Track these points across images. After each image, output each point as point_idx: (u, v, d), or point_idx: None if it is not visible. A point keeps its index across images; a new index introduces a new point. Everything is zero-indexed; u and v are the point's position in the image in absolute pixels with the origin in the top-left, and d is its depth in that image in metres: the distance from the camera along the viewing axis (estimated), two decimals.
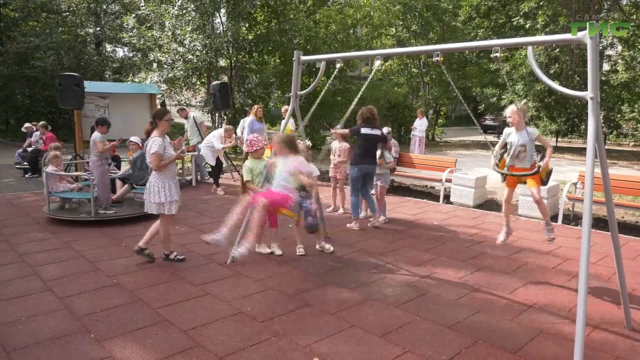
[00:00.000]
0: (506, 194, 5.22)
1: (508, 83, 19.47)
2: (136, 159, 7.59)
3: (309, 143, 5.87)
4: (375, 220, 7.13)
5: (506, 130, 5.07)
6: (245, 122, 10.51)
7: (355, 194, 6.93)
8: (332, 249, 5.87)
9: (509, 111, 4.93)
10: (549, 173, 5.01)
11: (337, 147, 7.76)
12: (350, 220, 7.14)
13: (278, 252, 5.72)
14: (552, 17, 17.97)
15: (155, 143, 5.07)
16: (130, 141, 7.99)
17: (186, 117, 11.02)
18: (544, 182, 5.03)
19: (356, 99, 5.28)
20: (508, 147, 4.98)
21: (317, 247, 5.89)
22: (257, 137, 5.76)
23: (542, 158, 4.85)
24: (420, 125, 15.46)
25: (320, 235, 5.88)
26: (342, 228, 7.03)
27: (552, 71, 18.47)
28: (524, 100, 5.19)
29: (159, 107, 15.89)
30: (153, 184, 5.15)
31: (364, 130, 6.68)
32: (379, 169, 7.17)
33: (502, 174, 5.05)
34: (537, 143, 4.93)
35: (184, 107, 10.89)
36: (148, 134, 5.27)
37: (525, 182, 5.04)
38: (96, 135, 6.98)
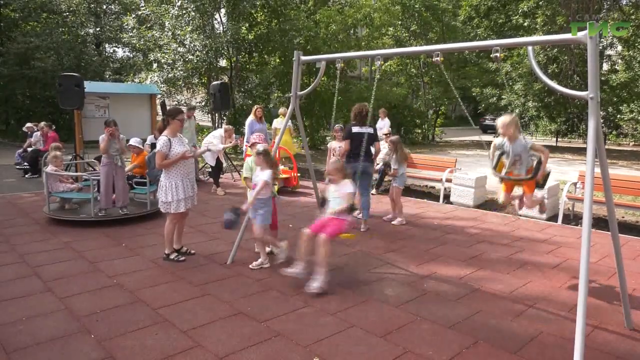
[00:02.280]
0: (503, 197, 5.14)
1: (507, 83, 19.51)
2: (150, 157, 7.57)
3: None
4: (363, 224, 7.03)
5: (498, 139, 4.96)
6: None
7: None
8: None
9: (499, 124, 4.82)
10: (546, 176, 4.98)
11: (336, 146, 7.76)
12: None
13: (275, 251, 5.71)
14: (551, 17, 17.97)
15: (160, 141, 5.13)
16: (130, 145, 7.91)
17: (189, 118, 10.88)
18: (541, 185, 5.00)
19: (373, 100, 5.27)
20: (504, 155, 4.91)
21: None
22: (259, 136, 5.77)
23: (538, 162, 4.74)
24: (382, 127, 13.41)
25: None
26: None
27: (550, 71, 18.47)
28: (514, 113, 5.09)
29: (159, 107, 15.91)
30: (162, 183, 5.23)
31: (354, 130, 6.71)
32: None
33: (500, 177, 4.98)
34: (533, 152, 4.81)
35: (193, 107, 10.74)
36: (160, 131, 5.32)
37: (521, 186, 5.04)
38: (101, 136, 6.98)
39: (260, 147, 5.19)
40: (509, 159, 4.84)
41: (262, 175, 5.06)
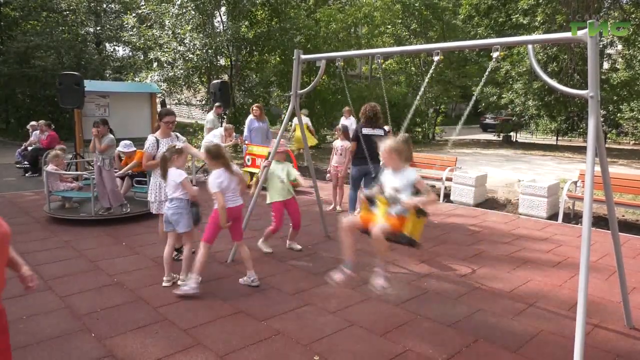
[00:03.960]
0: (351, 222, 4.23)
1: (507, 82, 19.49)
2: None
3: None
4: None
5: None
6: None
7: (355, 190, 6.95)
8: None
9: (381, 149, 4.00)
10: (412, 242, 3.82)
11: (339, 145, 7.77)
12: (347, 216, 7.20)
13: (267, 249, 5.79)
14: (551, 15, 17.96)
15: (146, 142, 5.14)
16: (119, 150, 7.76)
17: (218, 115, 10.67)
18: (412, 242, 3.83)
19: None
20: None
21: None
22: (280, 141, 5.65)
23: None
24: (349, 125, 12.24)
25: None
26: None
27: (550, 69, 18.45)
28: (406, 135, 3.83)
29: (159, 106, 15.92)
30: (151, 183, 5.20)
31: (365, 131, 6.65)
32: None
33: (369, 198, 4.10)
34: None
35: (219, 105, 10.71)
36: (155, 131, 5.33)
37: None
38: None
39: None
40: (386, 191, 3.99)
41: (173, 176, 4.57)
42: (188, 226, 4.67)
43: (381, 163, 3.99)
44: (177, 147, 4.69)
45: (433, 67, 4.70)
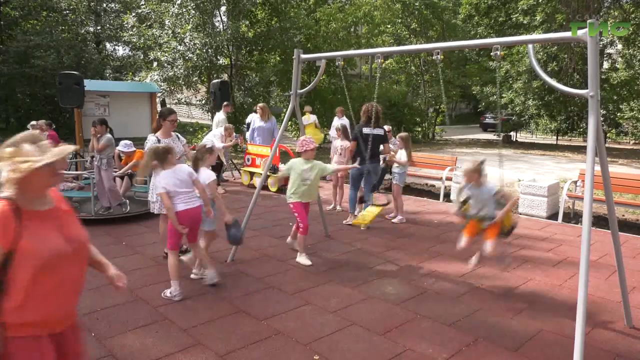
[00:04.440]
0: (463, 242, 4.76)
1: (507, 81, 19.49)
2: None
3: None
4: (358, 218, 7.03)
5: (463, 182, 4.78)
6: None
7: (355, 190, 6.96)
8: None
9: (463, 171, 4.72)
10: (512, 228, 4.73)
11: (339, 145, 7.77)
12: (347, 216, 7.21)
13: (307, 262, 5.39)
14: (551, 15, 17.96)
15: (147, 142, 5.11)
16: (119, 150, 7.80)
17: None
18: (505, 234, 4.72)
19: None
20: (470, 199, 4.71)
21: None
22: (308, 139, 5.45)
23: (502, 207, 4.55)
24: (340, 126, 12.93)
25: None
26: (341, 226, 7.04)
27: (549, 69, 18.45)
28: (480, 160, 4.78)
29: (159, 105, 15.92)
30: (151, 183, 5.18)
31: (365, 131, 6.67)
32: (396, 168, 7.27)
33: (465, 216, 4.73)
34: (499, 199, 4.59)
35: (227, 104, 10.81)
36: (155, 131, 5.30)
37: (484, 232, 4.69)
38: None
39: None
40: (474, 204, 4.65)
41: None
42: (212, 225, 4.79)
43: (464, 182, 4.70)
44: (207, 146, 4.77)
45: (439, 67, 4.74)
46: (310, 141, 5.43)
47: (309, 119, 13.48)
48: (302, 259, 5.38)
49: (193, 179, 4.41)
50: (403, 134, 7.76)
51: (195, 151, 4.87)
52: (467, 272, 5.19)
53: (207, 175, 4.63)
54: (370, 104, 6.81)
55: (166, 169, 4.34)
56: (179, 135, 5.47)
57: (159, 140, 5.13)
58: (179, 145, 5.34)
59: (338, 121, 12.70)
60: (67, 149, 2.04)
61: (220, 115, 10.52)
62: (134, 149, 7.90)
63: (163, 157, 4.34)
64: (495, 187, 4.62)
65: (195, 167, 4.64)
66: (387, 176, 8.31)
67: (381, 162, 7.39)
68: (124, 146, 7.83)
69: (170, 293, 4.35)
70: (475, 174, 4.56)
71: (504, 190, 4.67)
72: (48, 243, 1.94)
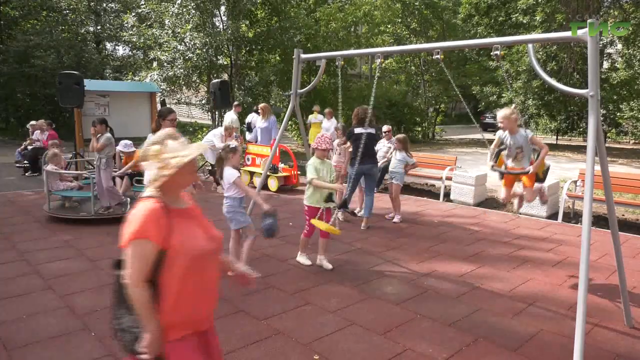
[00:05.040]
0: (504, 194, 5.15)
1: (508, 81, 19.49)
2: None
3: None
4: (365, 222, 7.03)
5: (499, 132, 4.94)
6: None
7: (352, 190, 6.97)
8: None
9: (500, 117, 4.82)
10: (546, 170, 5.00)
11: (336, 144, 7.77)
12: (346, 216, 7.25)
13: (327, 265, 5.25)
14: (550, 14, 17.95)
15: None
16: (120, 151, 7.83)
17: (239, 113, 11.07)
18: (541, 180, 5.01)
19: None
20: (506, 149, 4.91)
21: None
22: (324, 136, 5.30)
23: (538, 155, 4.78)
24: (328, 128, 12.22)
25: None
26: (341, 226, 7.03)
27: (549, 68, 18.44)
28: (513, 106, 5.13)
29: (159, 105, 15.91)
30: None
31: (357, 130, 6.70)
32: (395, 167, 7.31)
33: (500, 172, 5.01)
34: (532, 145, 4.79)
35: (238, 103, 11.13)
36: (154, 132, 5.27)
37: (521, 181, 5.05)
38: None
39: (232, 143, 4.92)
40: (510, 153, 4.84)
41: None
42: (241, 224, 4.81)
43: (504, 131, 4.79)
44: (230, 146, 4.81)
45: (442, 66, 4.78)
46: (323, 140, 5.22)
47: (316, 117, 13.55)
48: (303, 259, 5.40)
49: (234, 181, 4.62)
50: (400, 135, 7.79)
51: (220, 150, 4.94)
52: (467, 272, 5.19)
53: (231, 173, 4.71)
54: (360, 107, 6.90)
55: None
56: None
57: None
58: None
59: (327, 123, 12.69)
60: (204, 145, 2.11)
61: (232, 115, 10.70)
62: (133, 149, 7.90)
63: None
64: (529, 132, 4.78)
65: (220, 167, 4.75)
66: (385, 175, 8.33)
67: (379, 163, 7.41)
68: (123, 146, 7.83)
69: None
70: (514, 118, 4.69)
71: (535, 137, 4.79)
72: (196, 241, 1.95)
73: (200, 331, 2.04)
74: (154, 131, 5.30)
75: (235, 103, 10.91)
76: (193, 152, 1.97)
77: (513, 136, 4.78)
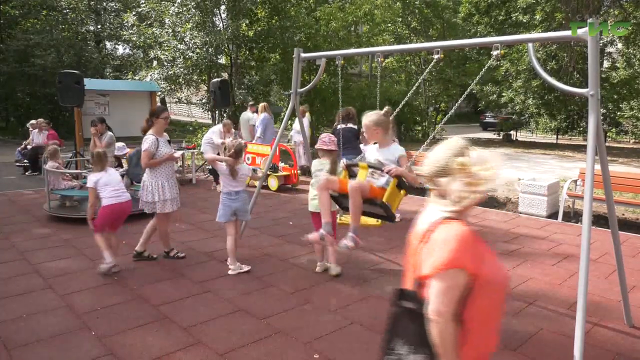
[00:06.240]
0: None
1: (507, 80, 19.50)
2: (132, 155, 7.58)
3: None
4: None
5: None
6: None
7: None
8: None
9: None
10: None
11: None
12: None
13: (336, 270, 5.04)
14: (550, 13, 17.94)
15: (147, 141, 5.07)
16: (116, 155, 7.85)
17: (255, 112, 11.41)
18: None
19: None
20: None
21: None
22: (327, 137, 5.02)
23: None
24: (306, 126, 11.54)
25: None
26: (341, 226, 7.02)
27: (549, 67, 18.43)
28: (386, 108, 4.11)
29: (158, 104, 15.92)
30: (147, 183, 5.14)
31: (339, 127, 6.84)
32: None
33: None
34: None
35: (253, 103, 11.38)
36: (144, 132, 5.24)
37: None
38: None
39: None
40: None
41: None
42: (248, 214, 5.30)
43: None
44: (241, 143, 5.11)
45: (432, 64, 4.67)
46: (325, 140, 4.93)
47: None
48: (333, 267, 5.03)
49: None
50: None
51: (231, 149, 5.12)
52: None
53: (247, 168, 5.18)
54: (345, 108, 7.09)
55: (100, 171, 5.02)
56: (165, 133, 5.46)
57: (157, 139, 5.10)
58: (169, 146, 5.36)
59: (305, 121, 12.55)
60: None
61: (249, 114, 10.93)
62: (127, 150, 7.95)
63: (99, 161, 5.01)
64: (403, 150, 3.97)
65: (237, 162, 4.99)
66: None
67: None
68: (118, 149, 7.89)
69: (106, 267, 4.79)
70: (379, 128, 3.83)
71: (408, 162, 3.97)
72: (501, 270, 1.74)
73: None
74: (144, 131, 5.25)
75: (250, 103, 11.20)
76: (499, 161, 1.68)
77: (379, 148, 3.99)
